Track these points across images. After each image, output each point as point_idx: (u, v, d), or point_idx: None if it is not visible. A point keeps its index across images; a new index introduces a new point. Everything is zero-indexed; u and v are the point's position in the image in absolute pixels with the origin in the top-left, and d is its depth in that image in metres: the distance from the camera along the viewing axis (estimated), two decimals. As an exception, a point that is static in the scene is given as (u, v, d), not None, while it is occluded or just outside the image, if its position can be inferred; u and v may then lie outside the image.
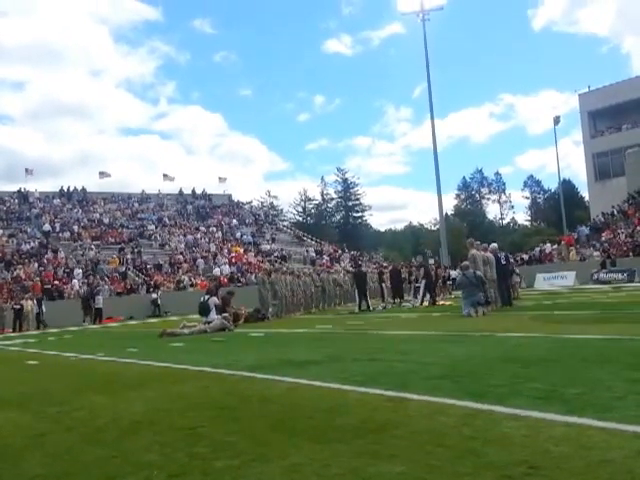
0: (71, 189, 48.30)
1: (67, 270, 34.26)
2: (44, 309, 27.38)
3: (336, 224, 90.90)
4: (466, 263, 15.35)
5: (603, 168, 51.67)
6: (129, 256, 38.35)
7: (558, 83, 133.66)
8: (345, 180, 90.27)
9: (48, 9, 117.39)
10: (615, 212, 38.88)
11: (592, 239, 36.10)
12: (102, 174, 50.55)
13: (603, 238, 34.95)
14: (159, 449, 3.94)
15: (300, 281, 23.01)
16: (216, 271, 37.34)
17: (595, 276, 29.83)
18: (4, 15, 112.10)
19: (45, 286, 31.37)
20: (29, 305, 27.37)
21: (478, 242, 17.21)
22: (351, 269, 30.98)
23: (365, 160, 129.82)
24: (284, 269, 25.36)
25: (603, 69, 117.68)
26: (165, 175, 53.58)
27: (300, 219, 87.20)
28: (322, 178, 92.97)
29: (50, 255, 35.87)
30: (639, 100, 48.33)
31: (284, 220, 75.49)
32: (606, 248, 32.65)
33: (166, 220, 46.51)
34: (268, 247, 44.01)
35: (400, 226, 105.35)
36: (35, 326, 26.63)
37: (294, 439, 3.93)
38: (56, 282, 32.24)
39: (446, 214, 64.19)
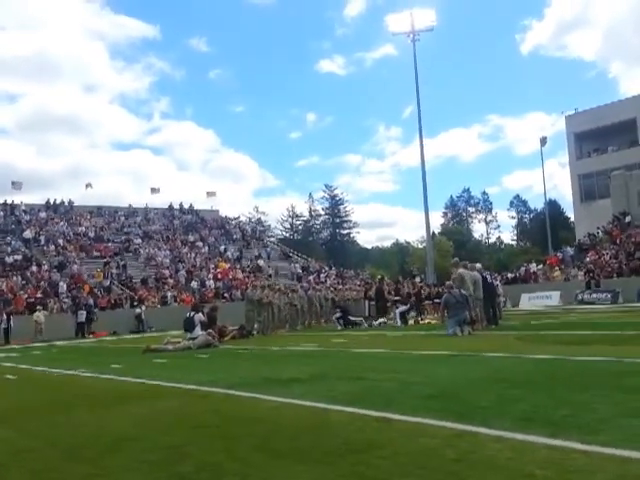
0: (60, 202, 48.06)
1: (51, 284, 33.94)
2: (12, 324, 26.90)
3: (323, 241, 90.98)
4: (450, 282, 15.41)
5: (588, 189, 52.15)
6: (114, 270, 38.08)
7: (546, 105, 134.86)
8: (333, 197, 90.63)
9: (46, 24, 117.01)
10: (600, 233, 39.24)
11: (577, 260, 36.37)
12: (87, 185, 50.63)
13: (588, 259, 35.22)
14: (141, 467, 3.91)
15: (286, 298, 22.94)
16: (193, 284, 37.23)
17: (579, 297, 30.01)
18: (2, 29, 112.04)
19: (28, 300, 31.03)
20: (41, 316, 27.13)
21: (466, 262, 17.28)
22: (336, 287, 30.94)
23: (355, 178, 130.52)
24: (271, 285, 25.25)
25: (590, 93, 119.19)
26: (153, 189, 53.39)
27: (287, 235, 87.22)
28: (310, 195, 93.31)
29: (34, 268, 35.56)
30: (625, 123, 48.95)
31: (272, 236, 75.38)
32: (590, 269, 32.89)
33: (152, 234, 46.32)
34: (254, 263, 43.88)
35: (387, 243, 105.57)
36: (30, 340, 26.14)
37: (278, 459, 3.91)
38: (39, 296, 31.90)
39: (433, 232, 64.41)
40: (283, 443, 4.33)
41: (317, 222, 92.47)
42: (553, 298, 30.54)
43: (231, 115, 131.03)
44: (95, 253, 40.55)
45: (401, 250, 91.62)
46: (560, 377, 6.73)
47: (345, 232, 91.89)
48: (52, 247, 39.55)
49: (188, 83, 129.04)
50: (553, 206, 71.28)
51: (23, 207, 45.69)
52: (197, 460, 3.99)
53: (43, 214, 45.49)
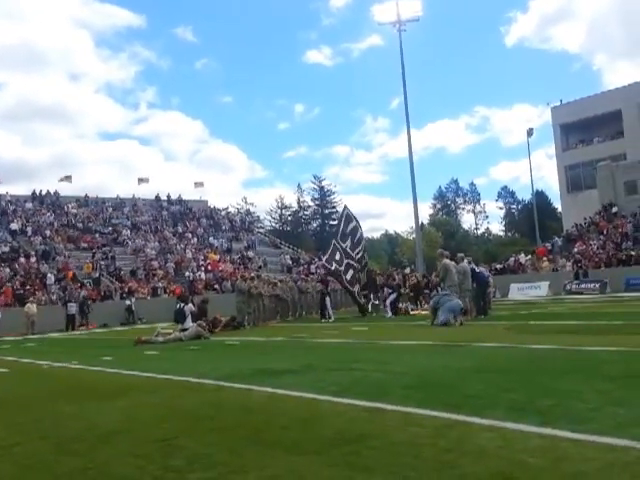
0: (46, 193, 47.55)
1: (39, 275, 33.75)
2: (0, 316, 26.66)
3: (312, 232, 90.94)
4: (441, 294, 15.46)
5: (575, 180, 52.43)
6: (102, 262, 37.89)
7: (532, 97, 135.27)
8: (322, 188, 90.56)
9: (30, 12, 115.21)
10: (587, 224, 39.47)
11: (565, 250, 36.59)
12: (67, 178, 48.93)
13: (575, 249, 35.44)
14: (133, 461, 3.90)
15: (277, 289, 22.94)
16: (187, 274, 37.27)
17: (567, 287, 30.22)
18: None
19: (16, 292, 30.83)
20: (33, 308, 26.85)
21: (448, 252, 17.41)
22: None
23: (343, 169, 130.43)
24: (262, 276, 25.25)
25: (575, 84, 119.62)
26: (140, 179, 52.81)
27: (276, 226, 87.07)
28: (299, 185, 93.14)
29: (22, 260, 35.30)
30: (610, 114, 49.18)
31: (261, 227, 75.17)
32: (578, 259, 33.10)
33: (140, 225, 46.07)
34: (243, 254, 43.83)
35: (376, 234, 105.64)
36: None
37: (270, 450, 3.91)
38: (27, 287, 31.69)
39: (422, 223, 64.56)
40: (275, 434, 4.34)
41: (306, 213, 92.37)
42: (542, 288, 30.72)
43: (219, 105, 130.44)
44: (83, 244, 40.30)
45: (390, 241, 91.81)
46: (549, 366, 6.79)
47: (334, 223, 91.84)
48: (39, 238, 39.27)
49: (175, 73, 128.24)
50: (540, 197, 71.64)
51: (8, 197, 45.19)
52: (189, 452, 3.99)
53: (29, 205, 45.06)
